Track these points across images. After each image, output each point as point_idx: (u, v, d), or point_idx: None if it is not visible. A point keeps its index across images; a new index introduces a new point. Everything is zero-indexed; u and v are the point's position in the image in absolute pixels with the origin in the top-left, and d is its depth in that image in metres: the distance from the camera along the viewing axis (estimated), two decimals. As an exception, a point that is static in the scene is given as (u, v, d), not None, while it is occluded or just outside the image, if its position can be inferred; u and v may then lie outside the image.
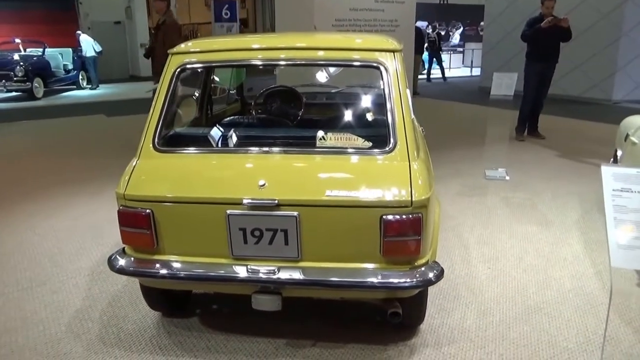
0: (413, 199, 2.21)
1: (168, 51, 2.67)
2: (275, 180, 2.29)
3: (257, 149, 2.43)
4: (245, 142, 2.61)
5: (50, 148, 7.59)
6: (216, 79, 4.13)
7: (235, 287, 2.43)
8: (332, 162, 2.36)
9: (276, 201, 2.22)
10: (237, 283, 2.33)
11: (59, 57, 14.09)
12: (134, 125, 4.06)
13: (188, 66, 2.62)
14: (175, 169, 2.42)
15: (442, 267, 2.40)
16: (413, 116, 2.60)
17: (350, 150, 2.38)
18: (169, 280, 2.37)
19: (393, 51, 2.52)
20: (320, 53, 2.57)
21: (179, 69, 2.59)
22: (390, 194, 2.22)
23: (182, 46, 2.69)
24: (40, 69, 12.86)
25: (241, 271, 2.31)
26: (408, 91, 2.50)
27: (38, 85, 12.60)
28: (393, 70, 2.47)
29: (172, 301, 2.85)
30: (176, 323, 2.88)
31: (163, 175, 2.41)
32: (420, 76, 13.18)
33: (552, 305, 3.05)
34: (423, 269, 2.32)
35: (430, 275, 2.31)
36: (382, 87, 2.45)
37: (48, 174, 6.01)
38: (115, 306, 3.06)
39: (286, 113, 3.38)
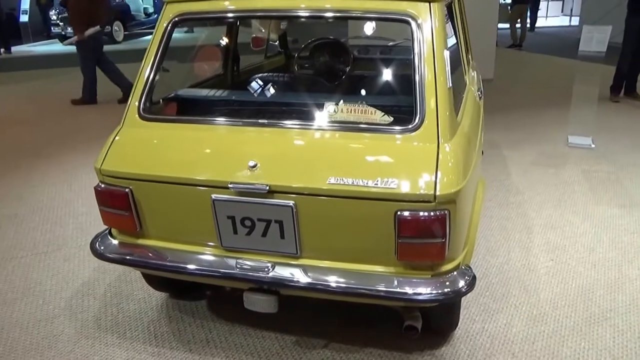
0: (437, 193, 1.71)
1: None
2: (269, 161, 1.87)
3: (255, 120, 2.00)
4: (247, 111, 2.19)
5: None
6: (258, 27, 3.69)
7: (226, 282, 2.08)
8: (341, 141, 1.89)
9: (267, 187, 1.81)
10: (224, 279, 1.98)
11: (139, 1, 14.10)
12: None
13: (185, 17, 2.20)
14: (161, 141, 2.05)
15: (474, 275, 1.91)
16: (473, 79, 1.99)
17: (365, 126, 1.90)
18: (144, 269, 2.06)
19: (429, 1, 1.96)
20: (338, 3, 2.05)
21: (173, 21, 2.18)
22: (408, 185, 1.73)
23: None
24: (120, 13, 12.92)
25: (229, 266, 1.96)
26: (446, 53, 1.95)
27: (118, 29, 12.71)
28: (428, 27, 1.92)
29: (174, 285, 2.56)
30: (181, 306, 2.61)
31: (146, 148, 2.05)
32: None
33: (621, 314, 2.48)
34: (448, 277, 1.85)
35: (457, 285, 1.84)
36: (411, 48, 1.92)
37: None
38: (123, 281, 2.84)
39: (332, 69, 2.90)
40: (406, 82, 2.04)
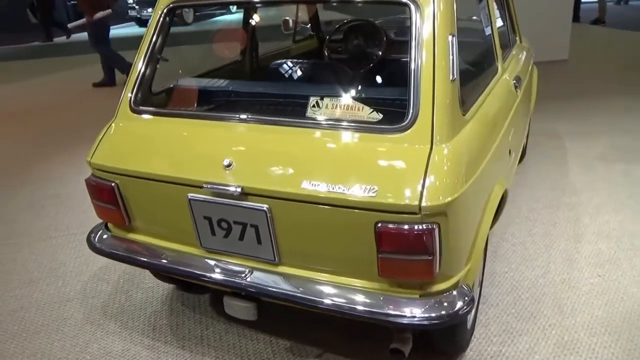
0: (423, 204, 1.50)
1: None
2: (244, 160, 1.73)
3: (236, 114, 1.86)
4: (235, 104, 2.05)
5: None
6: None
7: (205, 283, 1.98)
8: (322, 140, 1.70)
9: (240, 189, 1.68)
10: (202, 281, 1.88)
11: (208, -20, 14.24)
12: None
13: (180, 5, 2.09)
14: (148, 135, 1.97)
15: (472, 297, 1.68)
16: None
17: (350, 124, 1.70)
18: (128, 264, 2.01)
19: (433, -18, 1.71)
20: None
21: (168, 9, 2.08)
22: (390, 194, 1.53)
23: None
24: (190, -7, 13.13)
25: (207, 267, 1.85)
26: (452, 39, 1.70)
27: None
28: (429, 10, 1.68)
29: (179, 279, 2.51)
30: (184, 299, 2.56)
31: (133, 142, 1.98)
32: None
33: (675, 351, 2.12)
34: (440, 298, 1.64)
35: (449, 309, 1.62)
36: (410, 33, 1.69)
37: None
38: (137, 268, 2.83)
39: (364, 54, 2.70)
40: (391, 76, 1.81)
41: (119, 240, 2.05)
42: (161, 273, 2.18)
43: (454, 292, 1.66)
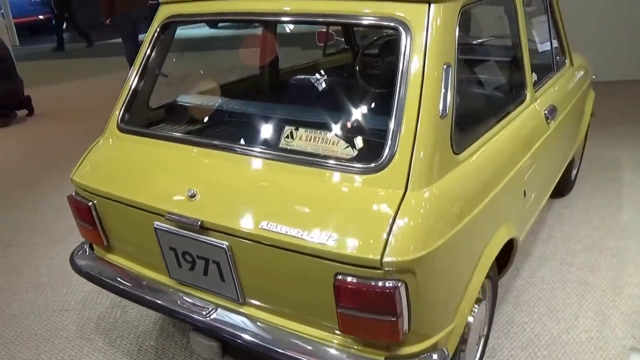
0: (385, 259, 1.31)
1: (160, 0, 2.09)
2: (208, 192, 1.61)
3: (209, 140, 1.75)
4: (221, 128, 1.94)
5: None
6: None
7: (169, 316, 1.88)
8: (289, 176, 1.55)
9: (199, 222, 1.56)
10: (165, 313, 1.78)
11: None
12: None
13: (177, 20, 2.01)
14: (128, 157, 1.90)
15: None
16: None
17: (321, 160, 1.54)
18: (94, 283, 1.95)
19: (428, 2, 1.52)
20: (324, 6, 1.68)
21: (163, 24, 2.00)
22: (350, 244, 1.36)
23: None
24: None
25: (173, 299, 1.75)
26: (447, 69, 1.50)
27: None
28: (421, 36, 1.49)
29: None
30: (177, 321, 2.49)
31: (113, 163, 1.91)
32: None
33: None
34: None
35: None
36: (397, 61, 1.51)
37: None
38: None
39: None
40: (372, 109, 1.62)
41: (94, 259, 2.00)
42: (126, 299, 2.10)
43: (424, 357, 1.45)
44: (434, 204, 1.42)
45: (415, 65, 1.48)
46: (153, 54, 2.02)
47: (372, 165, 1.44)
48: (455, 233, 1.46)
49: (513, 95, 2.16)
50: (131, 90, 1.98)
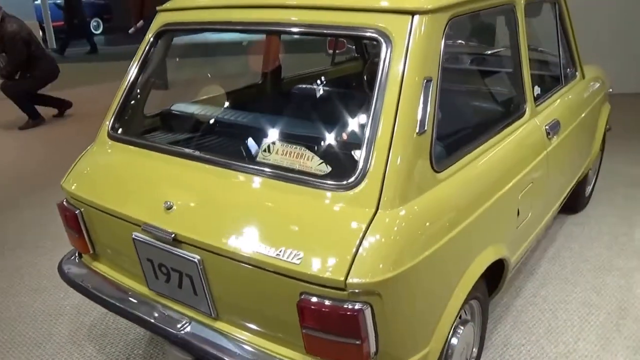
0: (349, 280, 1.27)
1: (157, 8, 2.10)
2: (184, 205, 1.60)
3: (190, 151, 1.73)
4: (207, 139, 1.92)
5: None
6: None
7: (144, 327, 1.86)
8: (263, 191, 1.53)
9: (173, 235, 1.55)
10: (141, 324, 1.76)
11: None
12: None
13: (171, 28, 2.01)
14: (115, 165, 1.90)
15: None
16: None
17: (295, 175, 1.50)
18: (77, 291, 1.95)
19: (411, 13, 1.48)
20: (309, 17, 1.65)
21: (157, 33, 2.01)
22: (315, 264, 1.32)
23: (176, 1, 2.07)
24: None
25: (149, 310, 1.74)
26: (428, 84, 1.45)
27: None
28: (401, 48, 1.45)
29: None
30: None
31: (101, 171, 1.92)
32: None
33: None
34: None
35: None
36: (376, 73, 1.47)
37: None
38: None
39: None
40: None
41: (80, 267, 2.01)
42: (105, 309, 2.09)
43: None
44: (406, 225, 1.37)
45: (393, 79, 1.44)
46: (148, 62, 2.02)
47: (345, 182, 1.40)
48: (430, 254, 1.41)
49: (510, 109, 2.09)
50: (122, 98, 1.98)
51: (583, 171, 3.01)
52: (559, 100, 2.47)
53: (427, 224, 1.43)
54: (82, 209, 1.88)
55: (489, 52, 2.56)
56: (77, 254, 2.08)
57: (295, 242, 1.37)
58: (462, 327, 1.78)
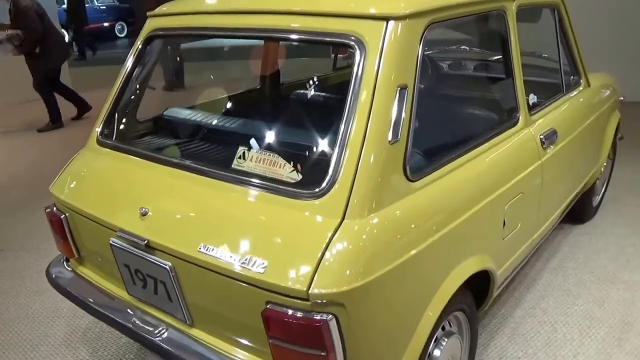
0: (312, 290, 1.25)
1: (147, 13, 2.12)
2: (159, 211, 1.60)
3: (167, 158, 1.74)
4: (189, 145, 1.92)
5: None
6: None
7: (124, 333, 1.86)
8: (235, 198, 1.51)
9: (145, 241, 1.55)
10: (120, 329, 1.77)
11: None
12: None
13: (160, 34, 2.02)
14: (100, 171, 1.91)
15: None
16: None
17: (266, 183, 1.49)
18: (66, 297, 1.96)
19: (385, 18, 1.46)
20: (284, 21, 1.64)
21: (146, 39, 2.02)
22: (279, 273, 1.30)
23: (165, 7, 2.09)
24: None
25: (127, 316, 1.74)
26: (403, 91, 1.43)
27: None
28: (375, 54, 1.43)
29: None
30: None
31: (87, 177, 1.93)
32: None
33: None
34: None
35: None
36: (350, 80, 1.45)
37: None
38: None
39: None
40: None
41: (66, 271, 2.02)
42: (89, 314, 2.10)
43: None
44: (374, 234, 1.34)
45: (366, 86, 1.42)
46: (137, 67, 2.04)
47: (313, 191, 1.38)
48: (401, 265, 1.38)
49: (500, 118, 2.05)
50: (111, 104, 2.00)
51: (588, 181, 2.93)
52: (558, 109, 2.41)
53: (398, 233, 1.40)
54: (67, 214, 1.90)
55: (479, 59, 2.51)
56: (64, 258, 2.11)
57: (262, 250, 1.35)
58: (445, 339, 1.74)
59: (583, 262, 2.96)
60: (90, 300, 1.84)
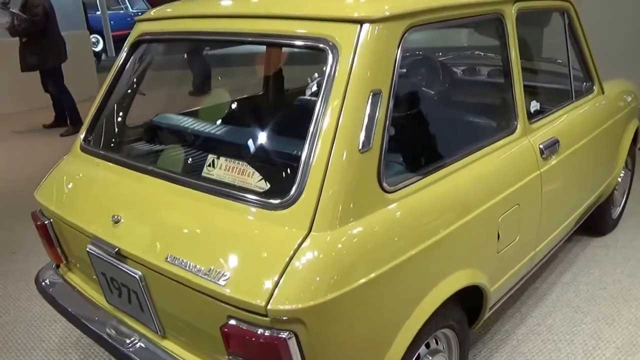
0: (270, 306, 1.20)
1: (135, 18, 2.11)
2: (131, 219, 1.57)
3: (144, 165, 1.70)
4: (168, 151, 1.89)
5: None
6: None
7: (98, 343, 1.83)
8: (204, 207, 1.47)
9: (116, 249, 1.52)
10: (94, 338, 1.74)
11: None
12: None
13: (147, 38, 2.00)
14: (81, 177, 1.90)
15: None
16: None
17: (235, 192, 1.44)
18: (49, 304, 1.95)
19: (359, 21, 1.40)
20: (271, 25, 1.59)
21: (133, 43, 2.01)
22: (239, 286, 1.25)
23: (152, 11, 2.07)
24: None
25: (102, 326, 1.71)
26: (376, 97, 1.37)
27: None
28: (347, 57, 1.37)
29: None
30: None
31: (69, 182, 1.91)
32: None
33: None
34: None
35: None
36: (322, 84, 1.39)
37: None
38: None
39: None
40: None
41: (54, 276, 2.02)
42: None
43: None
44: (342, 248, 1.28)
45: (337, 92, 1.36)
46: (124, 73, 2.02)
47: (281, 201, 1.33)
48: (370, 281, 1.31)
49: (496, 126, 1.95)
50: (96, 110, 1.99)
51: (603, 192, 2.79)
52: (565, 116, 2.29)
53: (370, 248, 1.33)
54: (52, 220, 1.89)
55: (473, 63, 2.40)
56: (54, 264, 2.10)
57: (225, 262, 1.30)
58: (430, 357, 1.66)
59: (597, 277, 2.82)
60: (69, 307, 1.82)
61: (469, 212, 1.63)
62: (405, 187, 1.47)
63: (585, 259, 3.00)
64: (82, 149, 1.95)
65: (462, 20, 1.73)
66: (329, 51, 1.40)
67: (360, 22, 1.39)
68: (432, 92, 2.06)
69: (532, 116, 2.06)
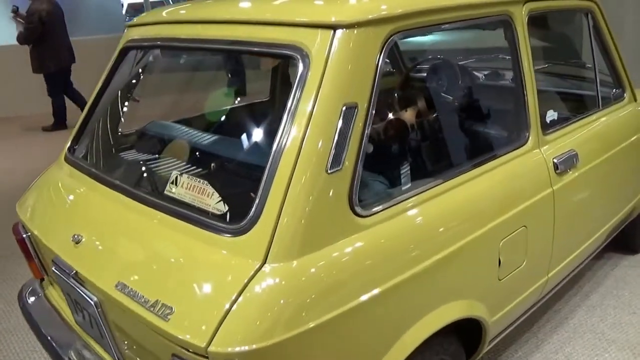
0: (210, 347, 1.06)
1: (125, 24, 2.01)
2: (92, 238, 1.46)
3: (118, 182, 1.59)
4: (142, 168, 1.78)
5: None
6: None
7: None
8: (159, 230, 1.35)
9: (74, 271, 1.42)
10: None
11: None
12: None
13: (135, 44, 1.91)
14: (59, 191, 1.80)
15: None
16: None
17: (191, 214, 1.31)
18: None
19: (332, 27, 1.24)
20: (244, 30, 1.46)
21: (121, 50, 1.91)
22: (182, 323, 1.12)
23: (144, 15, 1.97)
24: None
25: (67, 349, 1.62)
26: (350, 111, 1.22)
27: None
28: (318, 66, 1.22)
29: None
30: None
31: (48, 195, 1.83)
32: None
33: None
34: None
35: None
36: (289, 96, 1.25)
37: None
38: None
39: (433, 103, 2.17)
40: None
41: (35, 292, 1.94)
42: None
43: None
44: (300, 282, 1.13)
45: (304, 104, 1.21)
46: (113, 80, 1.93)
47: (236, 226, 1.19)
48: (334, 318, 1.16)
49: (502, 138, 1.76)
50: (83, 118, 1.91)
51: (633, 208, 2.53)
52: (587, 127, 2.07)
53: (335, 279, 1.18)
54: (30, 233, 1.82)
55: (482, 72, 2.19)
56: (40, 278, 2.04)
57: (173, 294, 1.18)
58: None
59: (627, 301, 2.57)
60: (40, 324, 1.75)
61: (461, 237, 1.45)
62: (383, 210, 1.31)
63: (615, 280, 2.74)
64: (66, 159, 1.87)
65: (462, 23, 1.55)
66: (299, 60, 1.25)
67: (334, 27, 1.24)
68: (425, 104, 1.87)
69: (547, 126, 1.85)
